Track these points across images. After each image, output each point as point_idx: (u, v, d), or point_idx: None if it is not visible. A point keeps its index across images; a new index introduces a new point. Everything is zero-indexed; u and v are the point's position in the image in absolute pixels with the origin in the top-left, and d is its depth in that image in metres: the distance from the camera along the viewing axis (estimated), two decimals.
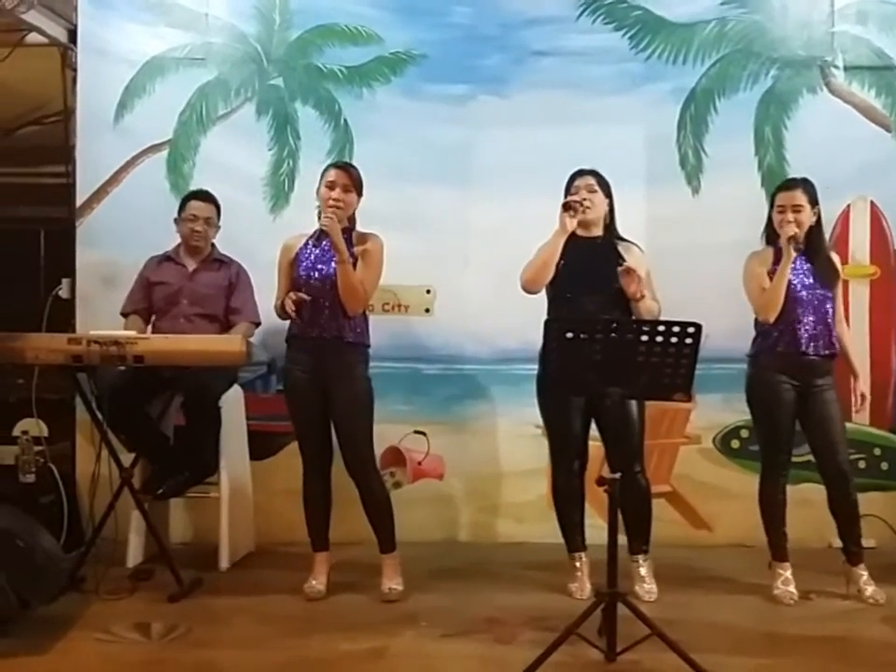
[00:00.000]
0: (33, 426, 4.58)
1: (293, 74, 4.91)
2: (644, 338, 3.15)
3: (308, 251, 3.91)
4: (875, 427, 4.76)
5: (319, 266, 3.86)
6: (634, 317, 3.80)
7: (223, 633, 3.58)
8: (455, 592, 4.01)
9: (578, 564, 3.99)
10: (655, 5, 4.83)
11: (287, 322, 3.91)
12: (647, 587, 3.92)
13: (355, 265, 3.82)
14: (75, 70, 4.86)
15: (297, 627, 3.59)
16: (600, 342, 3.17)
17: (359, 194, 3.91)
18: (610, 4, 4.84)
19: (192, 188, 4.72)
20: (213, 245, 4.46)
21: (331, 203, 3.81)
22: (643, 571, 3.95)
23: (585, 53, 4.81)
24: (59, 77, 4.90)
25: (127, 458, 4.05)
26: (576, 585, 3.95)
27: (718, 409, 4.77)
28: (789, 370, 3.87)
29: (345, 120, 4.88)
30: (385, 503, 3.94)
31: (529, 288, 3.90)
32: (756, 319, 3.94)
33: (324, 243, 3.85)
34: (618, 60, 4.83)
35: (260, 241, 4.72)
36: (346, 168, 3.91)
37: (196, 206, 4.36)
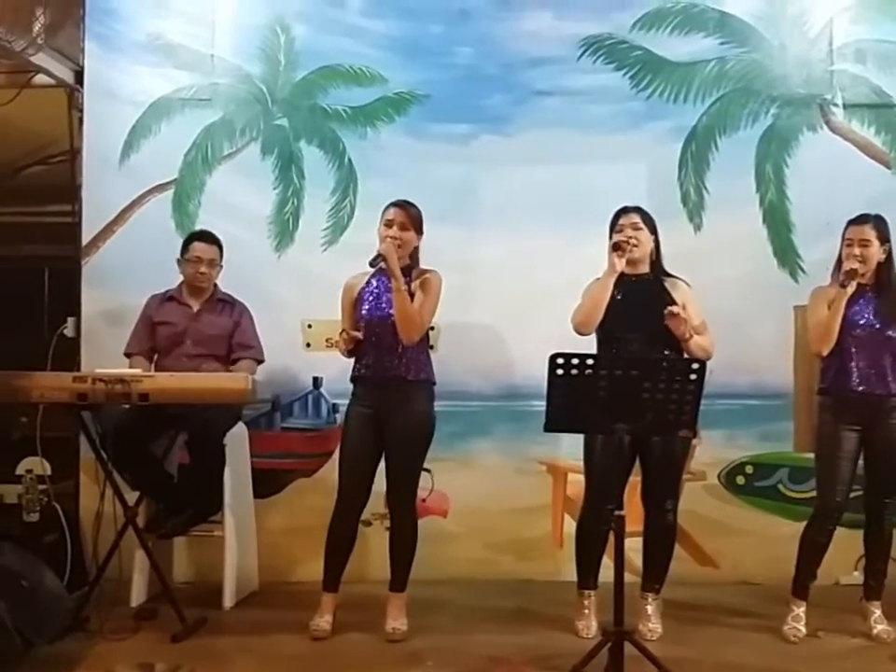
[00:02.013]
0: (37, 464, 4.58)
1: (298, 114, 4.96)
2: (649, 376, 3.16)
3: (370, 289, 3.93)
4: None
5: (382, 304, 3.88)
6: (685, 356, 3.78)
7: None
8: (459, 631, 3.99)
9: (586, 602, 3.95)
10: (656, 45, 4.88)
11: (352, 361, 3.92)
12: (651, 626, 3.88)
13: (413, 298, 3.84)
14: (81, 111, 4.90)
15: (302, 667, 3.58)
16: (605, 378, 3.18)
17: (418, 232, 3.94)
18: (611, 44, 4.90)
19: (198, 227, 4.75)
20: (216, 285, 4.48)
21: (388, 240, 3.83)
22: (650, 610, 3.92)
23: (587, 93, 4.86)
24: (65, 117, 4.94)
25: (131, 497, 4.04)
26: (583, 623, 3.92)
27: (722, 445, 4.77)
28: (846, 409, 3.83)
29: (350, 160, 4.92)
30: (412, 541, 3.93)
31: (582, 331, 3.87)
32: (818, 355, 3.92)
33: (385, 281, 3.85)
34: (619, 99, 4.88)
35: (265, 279, 4.78)
36: (405, 206, 3.93)
37: (200, 248, 4.38)
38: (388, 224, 3.88)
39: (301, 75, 4.95)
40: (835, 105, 4.86)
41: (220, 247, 4.43)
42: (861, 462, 3.91)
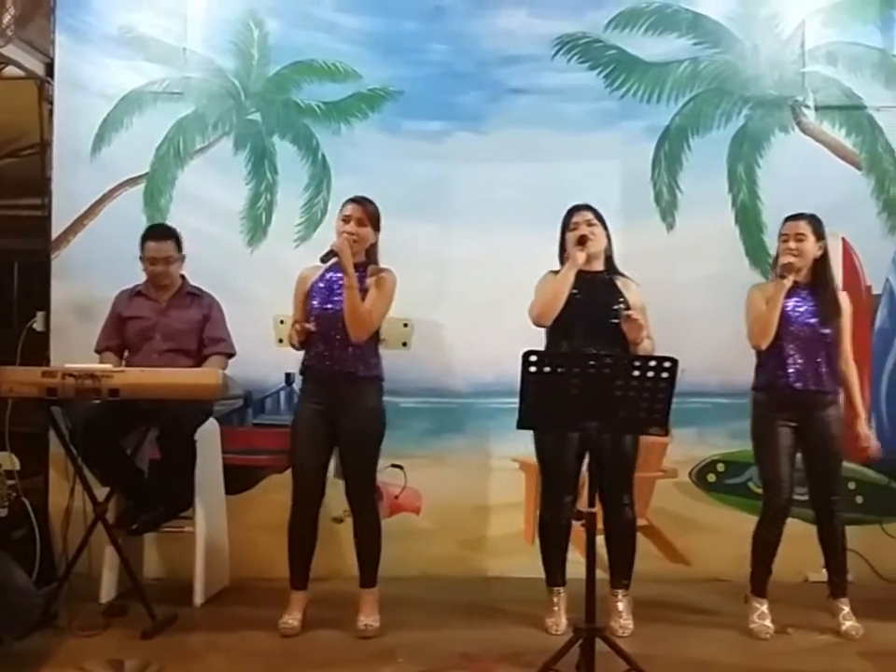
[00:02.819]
0: (5, 459, 4.51)
1: (271, 109, 4.94)
2: (621, 373, 3.17)
3: (323, 283, 3.92)
4: (849, 461, 4.79)
5: (333, 298, 3.86)
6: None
7: (197, 670, 3.55)
8: (431, 627, 3.99)
9: (556, 599, 3.97)
10: (629, 44, 4.90)
11: (302, 353, 3.91)
12: (622, 622, 3.90)
13: (366, 295, 3.83)
14: (51, 103, 4.85)
15: (272, 664, 3.55)
16: (577, 376, 3.19)
17: (375, 229, 3.94)
18: (585, 43, 4.91)
19: (169, 221, 4.72)
20: (183, 277, 4.43)
21: (345, 236, 3.83)
22: (621, 606, 3.94)
23: (561, 91, 4.87)
24: (35, 110, 4.88)
25: (101, 493, 4.00)
26: (552, 620, 3.93)
27: (693, 443, 4.80)
28: (782, 405, 3.89)
29: (323, 155, 4.90)
30: (376, 536, 3.92)
31: (540, 322, 3.90)
32: (757, 350, 3.97)
33: (338, 276, 3.84)
34: (593, 98, 4.89)
35: (237, 274, 4.75)
36: (362, 202, 3.92)
37: (153, 248, 4.30)
38: (345, 220, 3.88)
39: (274, 69, 4.93)
40: (807, 106, 4.90)
41: (177, 240, 4.36)
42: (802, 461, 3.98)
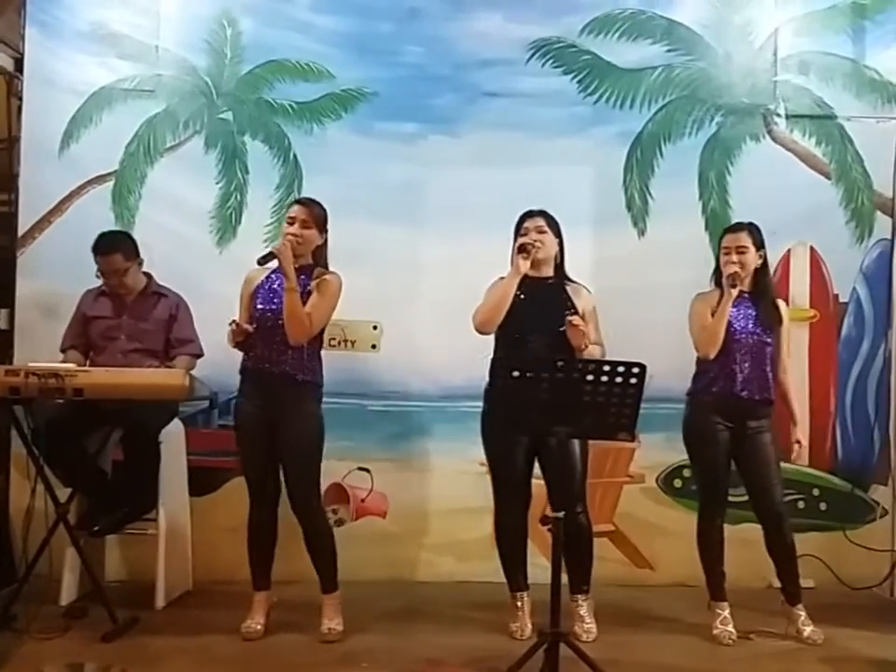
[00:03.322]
0: None
1: (243, 108, 4.91)
2: (590, 378, 3.17)
3: (267, 285, 3.89)
4: (813, 468, 4.83)
5: (275, 300, 3.83)
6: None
7: None
8: (396, 632, 3.97)
9: (519, 604, 3.97)
10: (603, 50, 4.92)
11: (242, 353, 3.88)
12: (587, 626, 3.91)
13: (308, 298, 3.80)
14: (20, 99, 4.80)
15: (234, 668, 3.53)
16: (546, 381, 3.19)
17: (321, 231, 3.90)
18: (560, 48, 4.92)
19: (138, 220, 4.74)
20: (149, 276, 4.38)
21: (289, 237, 3.80)
22: (583, 611, 3.94)
23: (535, 95, 4.87)
24: (4, 105, 4.85)
25: (63, 493, 3.96)
26: (517, 625, 3.93)
27: (661, 448, 4.80)
28: (723, 411, 3.92)
29: (295, 156, 4.88)
30: (328, 542, 3.89)
31: (483, 330, 3.91)
32: (698, 358, 3.99)
33: (282, 278, 3.80)
34: (567, 103, 4.90)
35: (206, 274, 4.71)
36: (308, 204, 3.90)
37: (101, 262, 4.23)
38: (290, 221, 3.85)
39: (246, 68, 4.90)
40: (778, 115, 4.93)
41: (124, 248, 4.26)
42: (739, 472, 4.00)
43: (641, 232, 4.92)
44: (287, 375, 3.79)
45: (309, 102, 4.90)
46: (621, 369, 3.19)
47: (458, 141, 4.87)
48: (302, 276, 3.80)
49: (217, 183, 4.87)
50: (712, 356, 3.89)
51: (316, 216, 3.89)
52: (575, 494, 3.87)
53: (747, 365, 3.91)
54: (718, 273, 4.03)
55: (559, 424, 3.24)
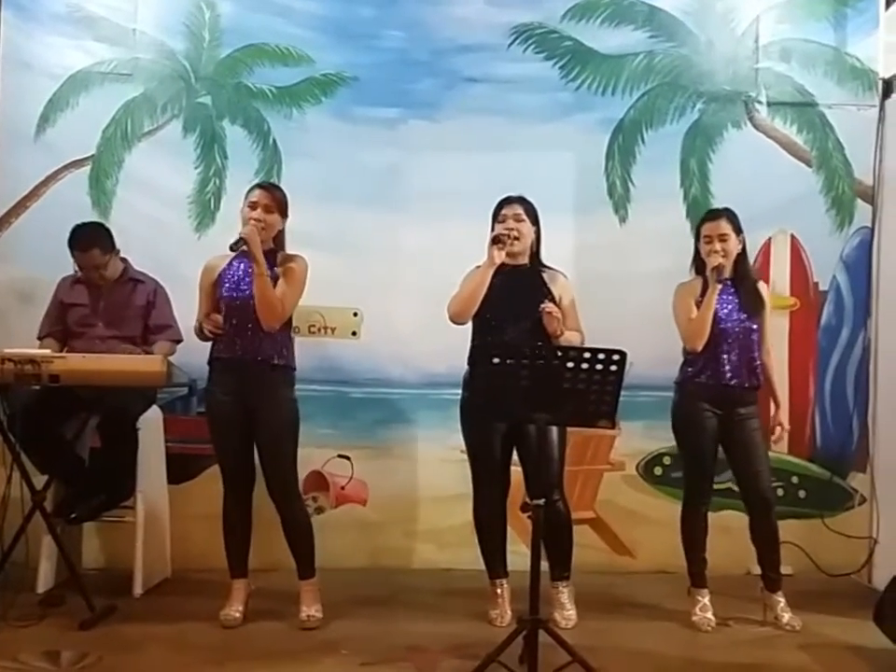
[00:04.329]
0: None
1: (222, 92, 4.86)
2: (570, 365, 3.16)
3: (231, 272, 3.86)
4: (792, 455, 4.85)
5: (243, 287, 3.80)
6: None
7: (136, 661, 3.48)
8: (375, 619, 3.96)
9: (499, 591, 3.97)
10: (585, 36, 4.90)
11: (210, 343, 3.85)
12: (567, 614, 3.91)
13: (276, 283, 3.77)
14: None
15: (213, 656, 3.50)
16: (527, 368, 3.17)
17: (283, 215, 3.88)
18: (541, 33, 4.90)
19: (116, 205, 4.70)
20: (126, 262, 4.34)
21: (252, 222, 3.77)
22: (563, 598, 3.94)
23: (516, 81, 4.85)
24: None
25: (39, 481, 3.93)
26: (497, 612, 3.93)
27: (641, 436, 4.82)
28: (712, 399, 3.92)
29: (274, 140, 4.84)
30: (305, 528, 3.88)
31: (457, 320, 3.91)
32: (684, 348, 3.98)
33: (247, 264, 3.79)
34: (548, 89, 4.89)
35: (185, 260, 4.64)
36: (269, 189, 3.88)
37: (77, 258, 4.20)
38: (252, 206, 3.82)
39: (225, 52, 4.86)
40: (759, 102, 4.93)
41: (101, 242, 4.22)
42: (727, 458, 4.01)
43: (623, 219, 4.91)
44: (261, 361, 3.77)
45: (288, 86, 4.86)
46: (601, 356, 3.17)
47: (439, 126, 4.84)
48: (266, 261, 3.75)
49: (196, 168, 4.82)
50: (700, 348, 3.89)
51: (279, 200, 3.86)
52: (552, 481, 3.86)
53: (734, 353, 3.91)
54: (698, 261, 4.02)
55: (539, 411, 3.22)
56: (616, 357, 3.16)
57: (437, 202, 4.76)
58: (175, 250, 4.68)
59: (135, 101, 4.81)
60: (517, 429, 3.82)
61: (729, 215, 3.97)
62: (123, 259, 4.33)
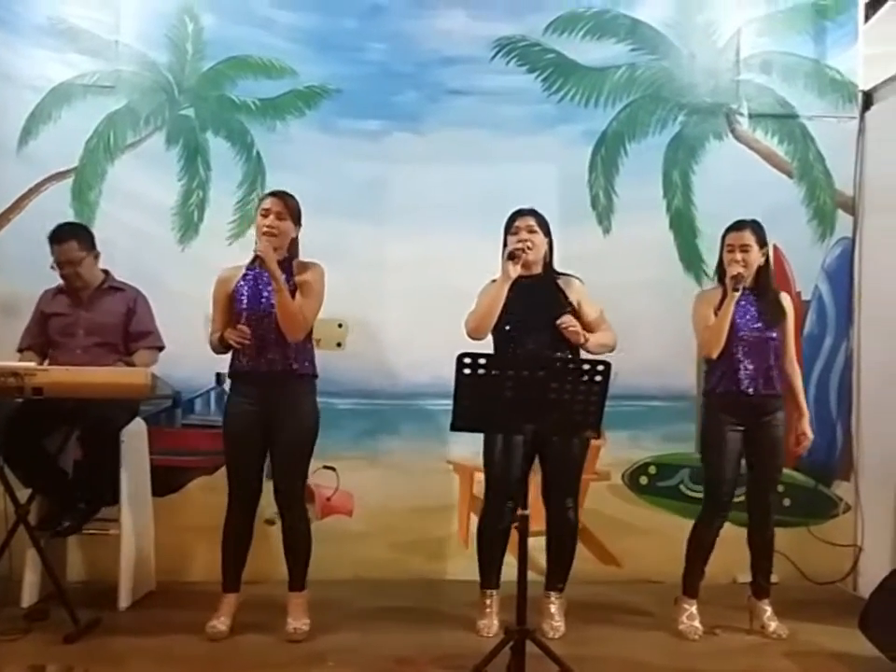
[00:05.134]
0: None
1: (205, 104, 4.85)
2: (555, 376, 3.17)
3: (248, 284, 3.85)
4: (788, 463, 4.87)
5: (261, 299, 3.80)
6: (582, 354, 3.85)
7: None
8: (362, 630, 3.95)
9: (488, 601, 3.96)
10: (568, 48, 4.92)
11: (229, 356, 3.85)
12: (554, 624, 3.91)
13: (294, 293, 3.77)
14: None
15: (199, 668, 3.50)
16: (512, 378, 3.18)
17: (296, 222, 3.88)
18: (524, 46, 4.92)
19: (99, 217, 4.67)
20: (106, 272, 4.33)
21: (265, 230, 3.76)
22: (553, 609, 3.95)
23: (499, 93, 4.87)
24: None
25: (23, 494, 3.90)
26: (484, 622, 3.92)
27: (626, 446, 4.84)
28: (733, 410, 3.93)
29: (258, 153, 4.84)
30: (305, 539, 3.88)
31: (475, 336, 3.89)
32: (708, 358, 4.00)
33: (264, 274, 3.78)
34: (531, 101, 4.90)
35: (168, 271, 4.67)
36: (281, 196, 3.87)
37: (56, 251, 4.17)
38: (264, 214, 3.82)
39: (208, 65, 4.85)
40: (741, 114, 4.97)
41: (82, 238, 4.22)
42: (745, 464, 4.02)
43: (606, 230, 4.93)
44: (283, 371, 3.77)
45: (272, 98, 4.86)
46: (586, 367, 3.18)
47: (422, 139, 4.85)
48: (283, 271, 3.76)
49: (179, 180, 4.81)
50: (715, 355, 3.92)
51: (291, 207, 3.86)
52: (567, 487, 3.92)
53: (749, 361, 3.92)
54: (721, 269, 4.03)
55: (524, 421, 3.23)
56: (601, 368, 3.18)
57: (421, 213, 4.77)
58: (159, 262, 4.68)
59: (118, 113, 4.79)
60: (541, 441, 3.80)
61: (754, 227, 3.99)
62: (104, 271, 4.32)
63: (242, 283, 3.86)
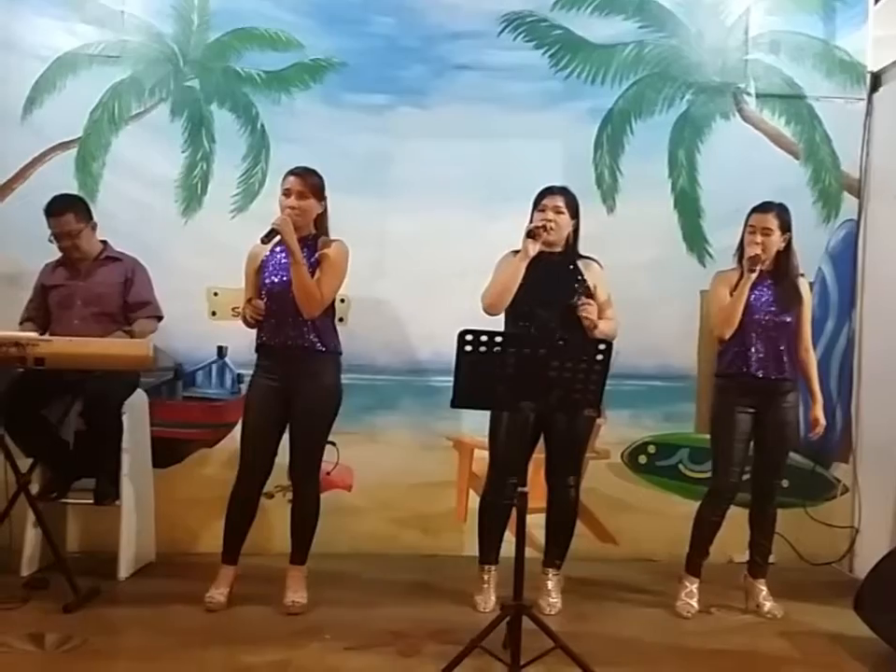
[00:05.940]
0: None
1: (210, 76, 4.83)
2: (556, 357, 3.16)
3: (274, 259, 3.85)
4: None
5: (282, 274, 3.80)
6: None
7: (120, 644, 3.50)
8: (359, 604, 3.97)
9: (486, 577, 3.98)
10: (576, 25, 4.88)
11: (256, 330, 3.85)
12: (551, 601, 3.94)
13: (316, 270, 3.76)
14: None
15: (196, 639, 3.51)
16: (513, 356, 3.18)
17: (319, 199, 3.86)
18: (532, 22, 4.88)
19: (102, 188, 4.65)
20: (105, 242, 4.33)
21: (287, 210, 3.76)
22: (550, 585, 3.97)
23: (506, 69, 4.83)
24: None
25: (24, 463, 3.92)
26: (481, 598, 3.95)
27: (626, 425, 4.84)
28: (744, 392, 3.93)
29: (262, 125, 4.81)
30: (314, 513, 3.91)
31: (491, 311, 3.88)
32: (721, 338, 4.00)
33: (286, 251, 3.77)
34: (538, 77, 4.87)
35: (170, 244, 4.66)
36: (302, 174, 3.84)
37: (52, 224, 4.18)
38: (286, 193, 3.81)
39: (214, 36, 4.81)
40: (748, 94, 4.94)
41: (77, 209, 4.22)
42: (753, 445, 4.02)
43: (610, 209, 4.91)
44: (303, 347, 3.77)
45: (277, 71, 4.83)
46: (587, 347, 3.18)
47: (428, 113, 4.82)
48: (307, 246, 3.77)
49: (183, 152, 4.79)
50: (727, 336, 3.92)
51: (312, 184, 3.84)
52: (570, 464, 3.94)
53: (762, 344, 3.91)
54: (741, 250, 4.01)
55: (525, 399, 3.23)
56: (602, 347, 3.17)
57: (425, 188, 4.75)
58: (162, 234, 4.67)
59: (123, 84, 4.77)
60: (547, 420, 3.82)
61: (779, 210, 3.96)
62: (103, 241, 4.32)
63: (269, 258, 3.86)
